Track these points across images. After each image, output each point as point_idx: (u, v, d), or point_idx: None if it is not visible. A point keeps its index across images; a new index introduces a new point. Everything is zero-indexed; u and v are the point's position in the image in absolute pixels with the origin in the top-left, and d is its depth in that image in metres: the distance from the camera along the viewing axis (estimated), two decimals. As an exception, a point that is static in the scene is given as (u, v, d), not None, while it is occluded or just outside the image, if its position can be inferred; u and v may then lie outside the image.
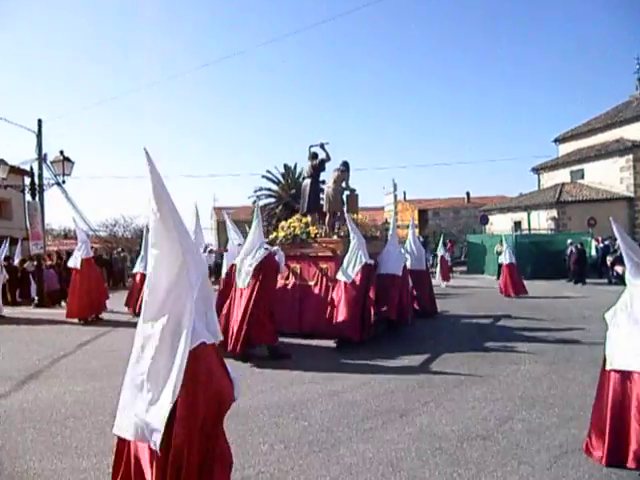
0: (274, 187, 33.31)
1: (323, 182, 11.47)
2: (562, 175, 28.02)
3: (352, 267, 7.99)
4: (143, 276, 11.68)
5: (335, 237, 9.02)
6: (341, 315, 7.77)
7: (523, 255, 19.52)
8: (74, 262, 10.98)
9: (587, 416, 3.82)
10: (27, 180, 17.00)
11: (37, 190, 15.03)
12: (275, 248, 7.61)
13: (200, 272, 2.53)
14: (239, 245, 8.37)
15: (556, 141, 30.69)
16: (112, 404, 3.25)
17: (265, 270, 7.03)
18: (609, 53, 66.66)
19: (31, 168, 15.53)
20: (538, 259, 19.22)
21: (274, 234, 9.48)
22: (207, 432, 2.38)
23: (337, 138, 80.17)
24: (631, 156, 24.06)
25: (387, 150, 74.88)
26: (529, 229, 24.73)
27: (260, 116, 79.40)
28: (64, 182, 15.09)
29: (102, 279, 13.10)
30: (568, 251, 17.90)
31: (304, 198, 9.71)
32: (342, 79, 79.03)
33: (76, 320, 10.77)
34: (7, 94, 67.23)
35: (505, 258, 14.28)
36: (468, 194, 41.86)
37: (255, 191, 33.13)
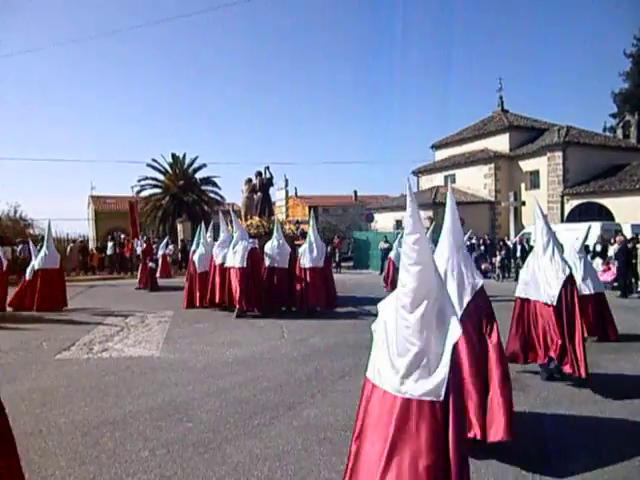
0: (160, 177, 31.43)
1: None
2: (438, 179, 30.76)
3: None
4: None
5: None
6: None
7: (403, 251, 21.30)
8: None
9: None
10: None
11: None
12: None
13: None
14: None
15: (433, 147, 33.62)
16: None
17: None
18: (478, 69, 74.69)
19: None
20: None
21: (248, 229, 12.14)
22: None
23: (228, 132, 78.61)
24: (492, 165, 27.37)
25: (280, 146, 75.28)
26: (409, 227, 26.66)
27: (141, 101, 74.28)
28: None
29: None
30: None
31: (261, 207, 13.52)
32: (224, 71, 77.39)
33: None
34: None
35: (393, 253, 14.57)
36: (356, 192, 43.67)
37: (139, 180, 30.88)
